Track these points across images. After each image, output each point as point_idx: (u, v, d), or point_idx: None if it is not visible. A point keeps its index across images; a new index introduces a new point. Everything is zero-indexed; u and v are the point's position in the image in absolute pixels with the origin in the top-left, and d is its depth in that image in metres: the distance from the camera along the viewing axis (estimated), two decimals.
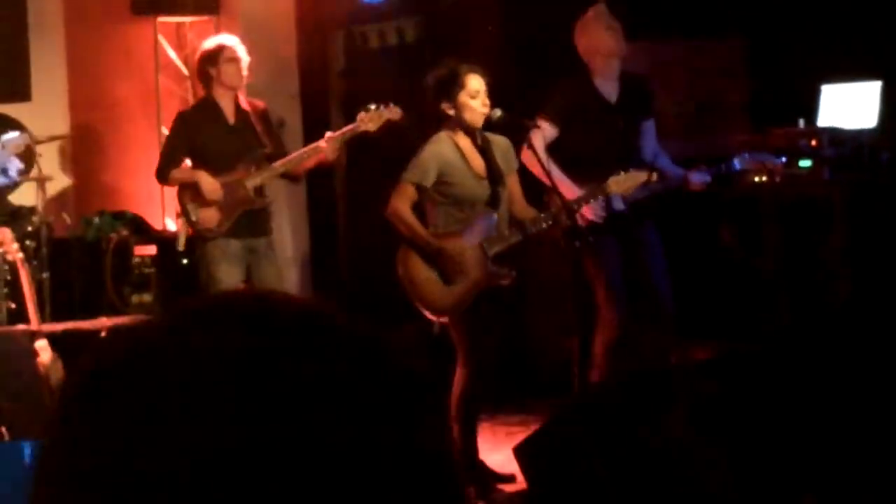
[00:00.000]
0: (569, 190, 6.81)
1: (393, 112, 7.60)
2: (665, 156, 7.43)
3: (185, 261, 8.76)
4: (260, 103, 8.30)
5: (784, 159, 7.72)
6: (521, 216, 6.62)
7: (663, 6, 8.73)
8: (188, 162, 8.11)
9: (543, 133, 6.99)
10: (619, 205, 7.07)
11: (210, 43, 8.11)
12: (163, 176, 8.14)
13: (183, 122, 8.20)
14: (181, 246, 8.78)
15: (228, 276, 8.05)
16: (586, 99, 7.26)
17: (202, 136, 8.04)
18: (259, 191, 8.09)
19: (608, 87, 7.33)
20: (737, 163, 7.45)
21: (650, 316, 7.29)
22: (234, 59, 8.00)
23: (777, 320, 8.02)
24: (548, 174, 6.54)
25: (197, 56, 8.18)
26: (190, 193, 8.02)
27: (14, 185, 6.87)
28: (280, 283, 8.40)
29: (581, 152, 7.09)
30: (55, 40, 9.47)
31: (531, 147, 6.60)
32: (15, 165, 5.60)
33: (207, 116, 8.09)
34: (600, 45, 7.28)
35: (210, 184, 7.94)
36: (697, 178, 7.29)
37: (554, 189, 6.60)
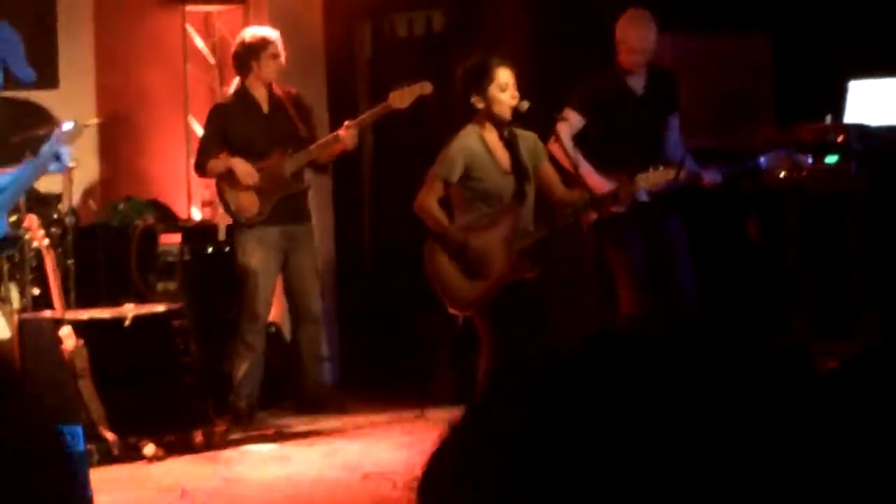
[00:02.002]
0: (597, 183, 6.82)
1: (424, 87, 7.60)
2: (684, 151, 7.42)
3: (227, 248, 8.78)
4: (292, 89, 8.33)
5: (810, 158, 7.66)
6: (565, 200, 6.58)
7: None
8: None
9: (570, 123, 7.02)
10: (643, 196, 7.07)
11: (253, 34, 8.14)
12: (200, 167, 8.21)
13: (218, 114, 8.26)
14: (222, 235, 8.81)
15: (263, 264, 8.07)
16: (613, 89, 7.33)
17: (238, 126, 8.10)
18: (296, 176, 8.12)
19: (635, 79, 7.43)
20: (763, 160, 7.43)
21: (671, 309, 7.29)
22: (276, 56, 8.07)
23: (802, 315, 7.99)
24: (575, 166, 6.53)
25: (237, 45, 8.20)
26: (227, 182, 8.07)
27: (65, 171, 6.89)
28: (315, 272, 8.40)
29: (605, 143, 7.15)
30: (83, 28, 9.49)
31: (558, 139, 6.60)
32: (67, 153, 5.68)
33: (242, 107, 8.14)
34: (629, 46, 7.36)
35: (244, 168, 7.99)
36: (710, 177, 7.31)
37: (580, 181, 6.58)
